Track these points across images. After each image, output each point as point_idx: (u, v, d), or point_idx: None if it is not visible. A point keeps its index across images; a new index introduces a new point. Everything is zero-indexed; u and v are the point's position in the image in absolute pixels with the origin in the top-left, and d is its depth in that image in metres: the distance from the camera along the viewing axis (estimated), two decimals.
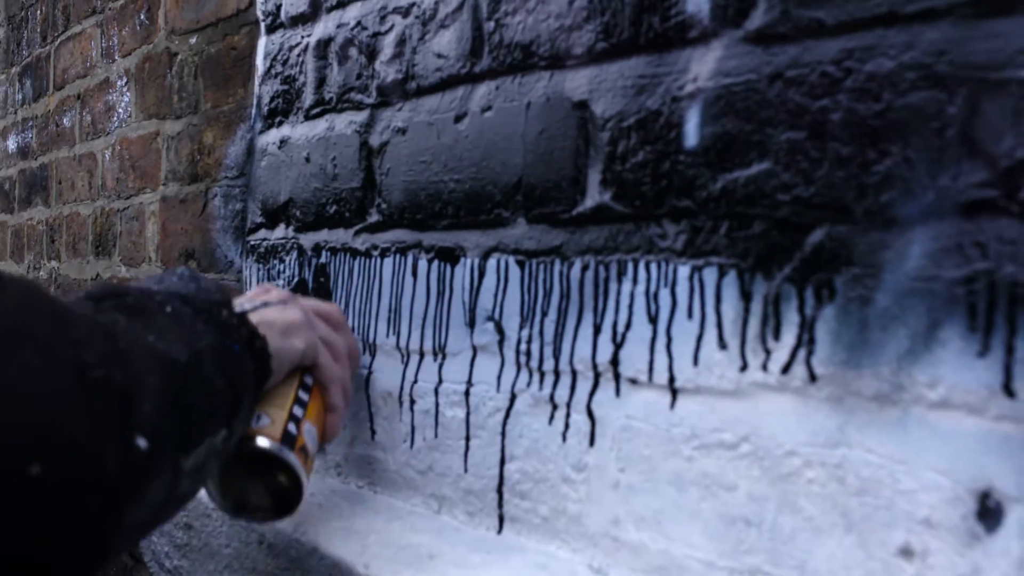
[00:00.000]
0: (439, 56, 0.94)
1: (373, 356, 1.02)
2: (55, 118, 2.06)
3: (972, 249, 0.54)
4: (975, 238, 0.54)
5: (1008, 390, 0.52)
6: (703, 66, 0.69)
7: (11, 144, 2.35)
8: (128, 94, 1.68)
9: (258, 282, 1.24)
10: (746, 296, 0.66)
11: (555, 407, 0.80)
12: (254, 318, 0.79)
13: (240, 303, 0.83)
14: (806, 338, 0.62)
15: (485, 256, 0.88)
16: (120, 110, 1.72)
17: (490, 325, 0.87)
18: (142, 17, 1.62)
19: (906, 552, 0.57)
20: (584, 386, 0.78)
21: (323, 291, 1.11)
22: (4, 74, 2.42)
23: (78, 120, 1.92)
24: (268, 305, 0.84)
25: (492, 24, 0.87)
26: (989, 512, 0.54)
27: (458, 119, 0.91)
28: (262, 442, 0.78)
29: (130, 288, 0.67)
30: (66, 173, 1.99)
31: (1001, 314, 0.53)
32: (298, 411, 0.82)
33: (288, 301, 0.87)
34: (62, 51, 2.02)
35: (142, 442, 0.55)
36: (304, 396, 0.84)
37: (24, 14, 2.26)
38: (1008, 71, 0.53)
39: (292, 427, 0.80)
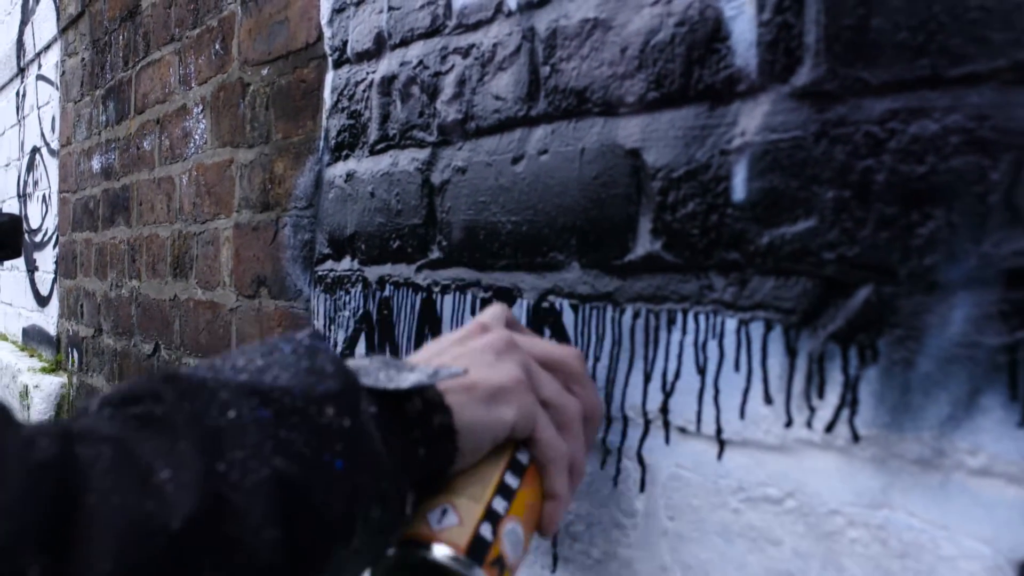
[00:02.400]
0: (497, 98, 0.95)
1: None
2: (136, 141, 2.13)
3: (1014, 317, 0.54)
4: (1017, 306, 0.54)
5: None
6: (751, 120, 0.69)
7: (95, 164, 2.44)
8: (204, 121, 1.73)
9: (325, 313, 1.27)
10: (791, 352, 0.66)
11: (607, 452, 0.81)
12: (441, 385, 0.61)
13: (421, 362, 0.65)
14: (849, 398, 0.62)
15: (541, 298, 0.89)
16: (196, 136, 1.77)
17: None
18: (217, 47, 1.67)
19: None
20: (635, 433, 0.79)
21: (386, 324, 1.13)
22: (89, 96, 2.50)
23: (157, 144, 1.99)
24: (464, 367, 0.64)
25: (548, 69, 0.88)
26: None
27: (515, 161, 0.93)
28: (439, 553, 0.59)
29: (189, 379, 0.50)
30: (146, 195, 2.05)
31: None
32: (499, 505, 0.63)
33: (504, 350, 0.67)
34: (143, 76, 2.09)
35: None
36: (512, 482, 0.65)
37: (108, 38, 2.33)
38: None
39: (486, 530, 0.61)
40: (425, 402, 0.59)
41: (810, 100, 0.65)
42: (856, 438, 0.62)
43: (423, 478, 0.60)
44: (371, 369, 0.59)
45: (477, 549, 0.60)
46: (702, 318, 0.73)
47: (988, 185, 0.55)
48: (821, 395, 0.64)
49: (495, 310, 0.75)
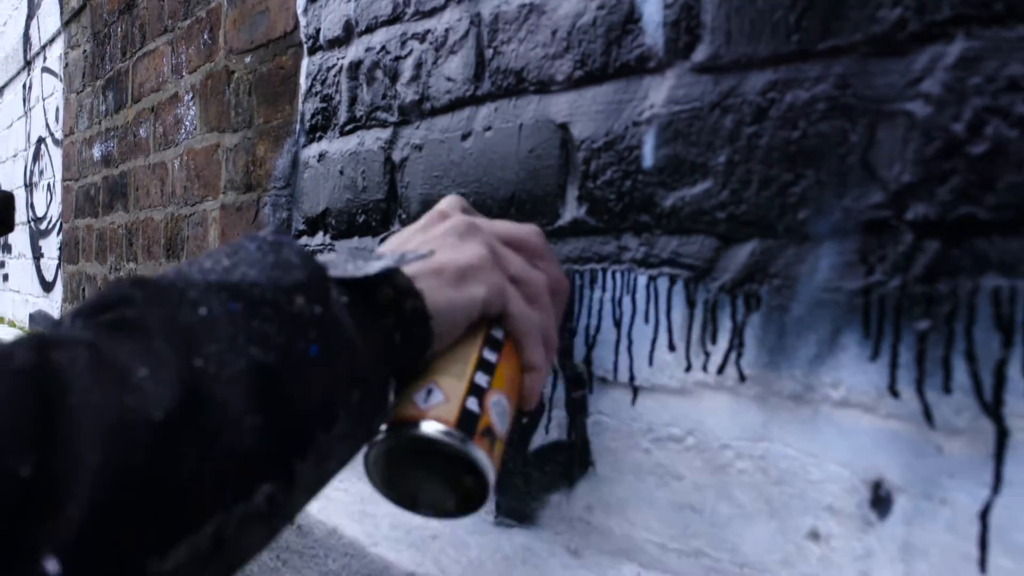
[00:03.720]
0: (449, 79, 1.02)
1: None
2: (133, 129, 2.20)
3: (868, 264, 0.60)
4: (871, 254, 0.60)
5: (893, 391, 0.59)
6: (659, 94, 0.76)
7: (96, 152, 2.51)
8: (194, 108, 1.80)
9: None
10: (691, 303, 0.73)
11: (541, 403, 0.88)
12: (409, 270, 0.62)
13: (387, 252, 0.66)
14: (736, 342, 0.69)
15: None
16: (187, 123, 1.84)
17: None
18: (205, 37, 1.74)
19: (814, 536, 0.64)
20: (564, 384, 0.85)
21: None
22: (90, 87, 2.58)
23: (152, 131, 2.06)
24: (430, 249, 0.65)
25: (491, 51, 0.95)
26: (880, 501, 0.60)
27: (464, 137, 0.99)
28: (429, 428, 0.60)
29: (157, 283, 0.50)
30: (142, 180, 2.13)
31: (889, 322, 0.59)
32: (482, 379, 0.64)
33: (466, 232, 0.69)
34: (139, 66, 2.16)
35: (52, 568, 0.37)
36: (491, 357, 0.66)
37: (107, 31, 2.41)
38: (897, 103, 0.59)
39: (472, 403, 0.63)
40: (396, 289, 0.60)
41: (707, 74, 0.72)
42: (742, 378, 0.69)
43: (403, 363, 0.61)
44: (338, 261, 0.60)
45: (466, 422, 0.61)
46: (618, 276, 0.79)
47: (848, 147, 0.62)
48: (714, 341, 0.71)
49: (450, 199, 0.76)
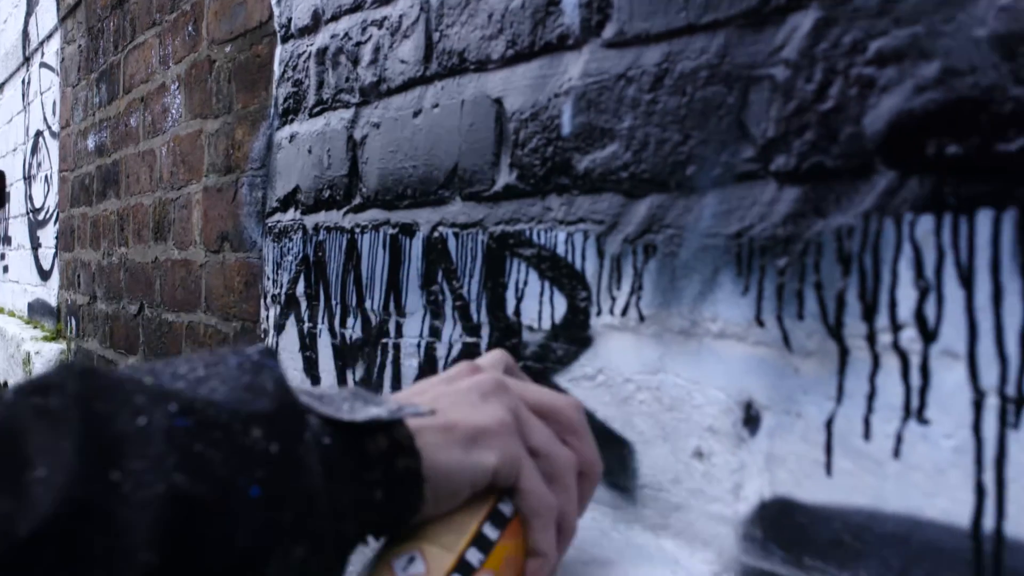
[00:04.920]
0: (402, 62, 1.10)
1: (356, 319, 1.20)
2: (124, 119, 2.29)
3: (731, 211, 0.69)
4: (744, 201, 0.68)
5: (759, 321, 0.67)
6: (575, 68, 0.84)
7: (91, 143, 2.60)
8: (179, 96, 1.89)
9: (273, 259, 1.43)
10: (601, 254, 0.81)
11: (480, 354, 0.96)
12: (414, 423, 0.55)
13: (394, 399, 0.59)
14: (637, 286, 0.77)
15: (432, 229, 1.04)
16: (173, 111, 1.93)
17: (436, 286, 1.03)
18: (190, 28, 1.83)
19: (699, 454, 0.72)
20: (496, 335, 0.94)
21: (320, 264, 1.29)
22: (85, 80, 2.67)
23: (142, 120, 2.15)
24: (433, 408, 0.58)
25: (438, 34, 1.03)
26: (751, 419, 0.68)
27: (415, 115, 1.08)
28: None
29: (105, 378, 0.44)
30: (133, 168, 2.21)
31: (756, 261, 0.67)
32: (473, 557, 0.57)
33: (492, 391, 0.61)
34: (130, 58, 2.25)
35: None
36: (491, 533, 0.58)
37: (101, 25, 2.50)
38: (764, 69, 0.67)
39: None
40: (391, 442, 0.53)
41: (614, 49, 0.80)
42: (642, 318, 0.77)
43: (383, 523, 0.54)
44: (336, 398, 0.54)
45: None
46: (543, 234, 0.88)
47: (727, 108, 0.70)
48: (619, 287, 0.79)
49: (494, 354, 0.69)
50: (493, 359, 0.68)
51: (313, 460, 0.48)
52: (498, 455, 0.57)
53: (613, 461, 0.79)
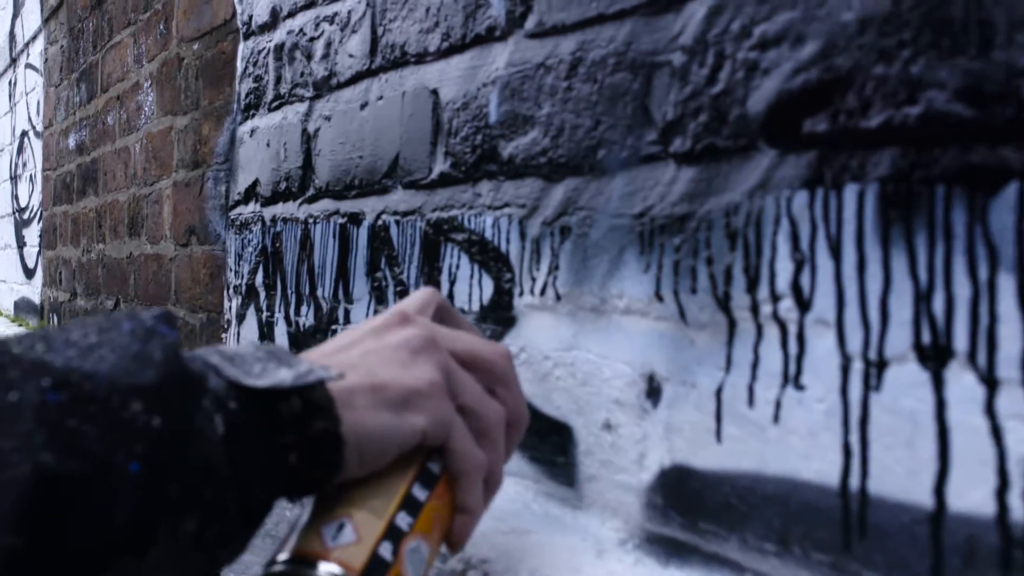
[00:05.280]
0: (351, 56, 1.13)
1: (309, 307, 1.23)
2: (102, 117, 2.32)
3: (644, 191, 0.72)
4: (647, 182, 0.72)
5: (659, 296, 0.70)
6: (502, 59, 0.87)
7: (72, 142, 2.64)
8: (152, 94, 1.92)
9: (235, 251, 1.46)
10: (523, 237, 0.84)
11: None
12: (341, 384, 0.53)
13: (311, 359, 0.56)
14: (554, 266, 0.80)
15: (377, 218, 1.07)
16: (146, 108, 1.96)
17: (380, 273, 1.06)
18: (161, 27, 1.86)
19: (608, 426, 0.75)
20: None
21: (278, 255, 1.32)
22: (67, 80, 2.70)
23: (118, 118, 2.18)
24: (341, 372, 0.53)
25: (382, 29, 1.07)
26: (653, 391, 0.71)
27: (363, 107, 1.11)
28: (326, 573, 0.52)
29: None
30: (110, 165, 2.25)
31: (657, 239, 0.70)
32: (403, 520, 0.56)
33: (422, 348, 0.58)
34: (107, 58, 2.28)
35: None
36: (420, 494, 0.57)
37: (81, 26, 2.53)
38: (664, 55, 0.70)
39: (386, 550, 0.54)
40: (306, 404, 0.51)
41: (535, 39, 0.83)
42: (558, 297, 0.80)
43: (298, 487, 0.52)
44: (248, 358, 0.52)
45: (373, 571, 0.52)
46: (474, 219, 0.91)
47: (632, 94, 0.73)
48: (538, 267, 0.82)
49: (423, 295, 0.65)
50: (423, 300, 0.64)
51: (210, 428, 0.46)
52: (428, 417, 0.55)
53: (535, 438, 0.82)
